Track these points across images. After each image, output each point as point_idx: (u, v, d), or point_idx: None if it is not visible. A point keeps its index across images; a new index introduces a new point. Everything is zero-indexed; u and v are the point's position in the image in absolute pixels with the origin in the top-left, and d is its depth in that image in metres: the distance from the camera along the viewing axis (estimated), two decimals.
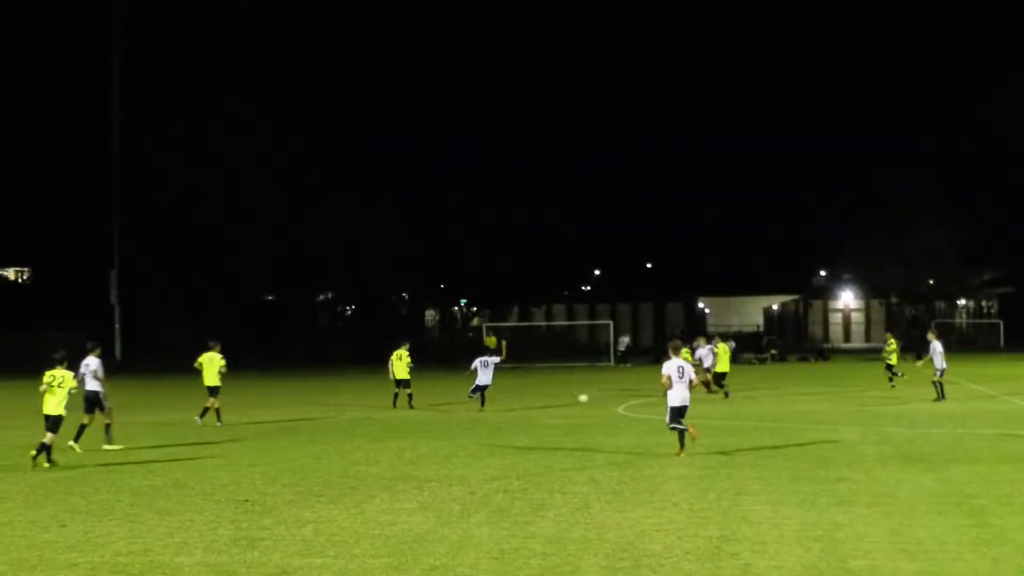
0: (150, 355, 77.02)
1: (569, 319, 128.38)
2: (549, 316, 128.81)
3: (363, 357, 75.28)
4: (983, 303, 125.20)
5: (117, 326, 72.58)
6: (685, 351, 44.70)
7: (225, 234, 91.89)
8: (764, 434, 28.52)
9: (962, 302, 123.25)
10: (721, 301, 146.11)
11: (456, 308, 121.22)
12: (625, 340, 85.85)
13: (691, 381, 24.44)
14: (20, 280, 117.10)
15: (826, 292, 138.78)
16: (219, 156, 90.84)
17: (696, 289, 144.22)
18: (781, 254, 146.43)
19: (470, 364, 40.05)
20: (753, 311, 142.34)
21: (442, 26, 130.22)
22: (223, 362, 34.64)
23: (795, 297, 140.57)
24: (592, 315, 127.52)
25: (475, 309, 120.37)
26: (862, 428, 29.72)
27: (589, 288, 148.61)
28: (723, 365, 45.16)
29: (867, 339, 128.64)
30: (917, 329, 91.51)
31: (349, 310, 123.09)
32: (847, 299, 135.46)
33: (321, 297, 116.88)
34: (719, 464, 22.53)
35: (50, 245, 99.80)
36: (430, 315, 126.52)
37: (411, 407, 39.67)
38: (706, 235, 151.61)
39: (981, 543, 14.63)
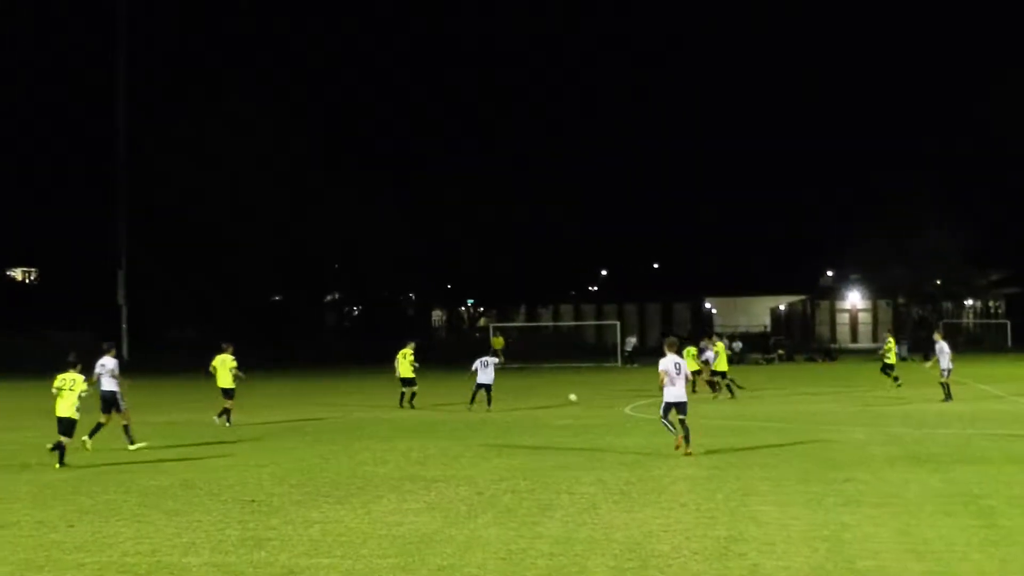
0: (157, 355, 77.07)
1: (576, 319, 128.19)
2: (556, 316, 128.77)
3: (370, 357, 75.28)
4: (990, 303, 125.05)
5: (124, 326, 72.64)
6: (692, 350, 45.03)
7: (228, 234, 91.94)
8: (771, 434, 28.49)
9: (969, 302, 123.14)
10: (728, 301, 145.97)
11: (463, 308, 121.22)
12: (632, 340, 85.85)
13: (687, 377, 24.82)
14: (27, 281, 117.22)
15: (833, 292, 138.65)
16: (221, 156, 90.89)
17: (703, 289, 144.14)
18: (788, 254, 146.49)
19: (471, 366, 40.17)
20: (760, 311, 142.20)
21: (442, 26, 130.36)
22: (235, 363, 34.67)
23: (802, 297, 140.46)
24: (599, 315, 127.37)
25: (482, 309, 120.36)
26: (869, 428, 29.69)
27: (596, 288, 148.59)
28: (721, 364, 45.16)
29: (874, 339, 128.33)
30: (924, 329, 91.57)
31: (356, 311, 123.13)
32: (854, 299, 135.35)
33: (328, 298, 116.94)
34: (727, 464, 22.52)
35: (56, 246, 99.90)
36: (437, 315, 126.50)
37: (412, 406, 39.94)
38: (713, 236, 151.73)
39: (989, 544, 14.61)
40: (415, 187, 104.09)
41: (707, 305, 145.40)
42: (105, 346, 28.44)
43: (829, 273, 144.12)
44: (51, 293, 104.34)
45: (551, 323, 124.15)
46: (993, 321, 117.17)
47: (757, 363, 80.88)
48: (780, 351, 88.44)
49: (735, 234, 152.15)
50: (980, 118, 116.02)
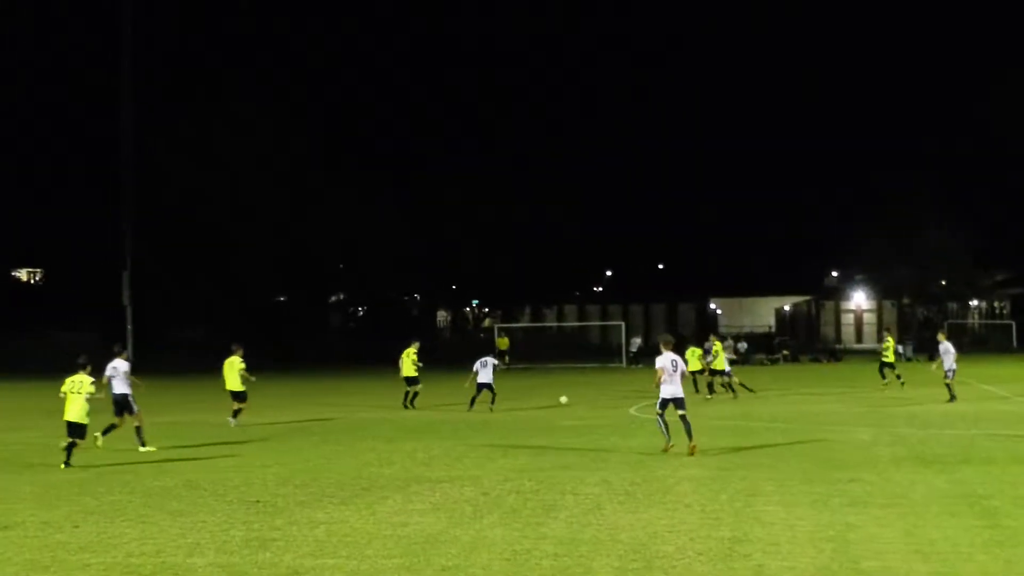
0: (161, 356, 77.11)
1: (581, 320, 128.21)
2: (561, 317, 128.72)
3: (374, 358, 75.30)
4: (995, 304, 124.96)
5: (129, 327, 72.65)
6: (697, 351, 45.10)
7: (230, 235, 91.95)
8: (776, 435, 28.48)
9: (974, 303, 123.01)
10: (733, 302, 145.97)
11: (468, 309, 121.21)
12: (637, 341, 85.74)
13: (683, 374, 25.08)
14: (32, 281, 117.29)
15: (838, 293, 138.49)
16: (223, 157, 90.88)
17: (708, 290, 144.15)
18: (793, 255, 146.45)
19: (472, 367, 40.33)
20: (765, 312, 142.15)
21: (442, 26, 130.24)
22: (243, 365, 34.69)
23: (807, 298, 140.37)
24: (604, 316, 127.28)
25: (487, 310, 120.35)
26: (875, 429, 29.67)
27: (601, 289, 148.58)
28: (720, 363, 45.21)
29: (879, 340, 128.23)
30: (929, 330, 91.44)
31: (360, 311, 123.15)
32: (859, 300, 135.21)
33: (332, 298, 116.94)
34: (732, 465, 22.51)
35: (61, 246, 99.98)
36: (442, 316, 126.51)
37: (412, 406, 40.29)
38: (717, 236, 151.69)
39: (994, 544, 14.60)
40: (416, 187, 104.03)
41: (712, 306, 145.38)
42: (116, 349, 28.52)
43: (834, 274, 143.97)
44: (56, 293, 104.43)
45: (555, 324, 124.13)
46: (998, 322, 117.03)
47: (762, 364, 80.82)
48: (785, 352, 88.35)
49: (740, 235, 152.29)
50: (982, 118, 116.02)
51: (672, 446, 24.56)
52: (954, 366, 39.74)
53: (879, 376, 46.88)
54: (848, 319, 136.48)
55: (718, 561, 13.90)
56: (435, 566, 13.92)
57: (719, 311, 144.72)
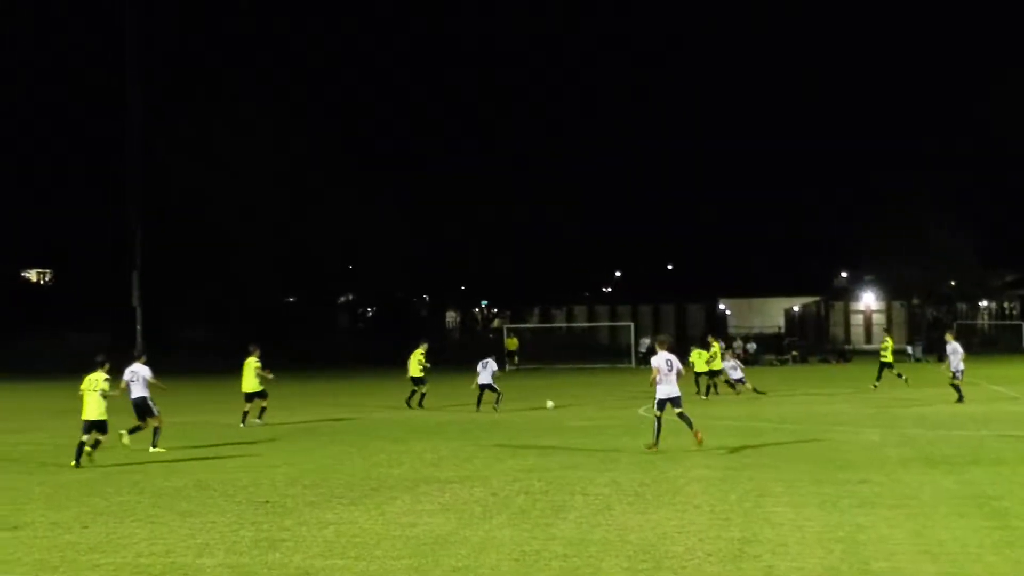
0: (169, 357, 77.09)
1: (590, 321, 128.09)
2: (570, 318, 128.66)
3: (383, 359, 75.29)
4: (1005, 304, 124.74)
5: (139, 328, 72.67)
6: (704, 353, 45.20)
7: (235, 235, 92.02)
8: (785, 436, 28.46)
9: (984, 304, 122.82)
10: (742, 303, 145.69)
11: (476, 310, 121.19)
12: (646, 342, 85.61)
13: (679, 372, 25.26)
14: (42, 282, 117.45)
15: (847, 293, 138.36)
16: (226, 157, 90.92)
17: (717, 291, 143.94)
18: (802, 256, 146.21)
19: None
20: (774, 312, 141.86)
21: (442, 26, 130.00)
22: (258, 365, 34.86)
23: (816, 298, 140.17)
24: (613, 317, 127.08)
25: (495, 311, 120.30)
26: (884, 430, 29.65)
27: (610, 290, 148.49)
28: (717, 364, 45.27)
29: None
30: (938, 331, 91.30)
31: (369, 312, 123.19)
32: (868, 300, 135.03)
33: (341, 299, 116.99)
34: (741, 466, 22.51)
35: (70, 247, 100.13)
36: (451, 317, 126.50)
37: (410, 405, 40.82)
38: (726, 237, 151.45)
39: (1003, 545, 14.59)
40: (419, 187, 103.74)
41: (721, 306, 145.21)
42: (136, 353, 28.66)
43: (843, 274, 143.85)
44: (65, 294, 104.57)
45: (565, 324, 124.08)
46: (1008, 322, 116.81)
47: (771, 364, 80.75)
48: (794, 352, 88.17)
49: (749, 235, 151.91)
50: (983, 118, 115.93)
51: (657, 448, 24.70)
52: (962, 366, 39.65)
53: (876, 376, 47.08)
54: (857, 320, 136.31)
55: (727, 562, 13.91)
56: (444, 567, 13.93)
57: (728, 312, 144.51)
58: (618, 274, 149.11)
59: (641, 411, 37.72)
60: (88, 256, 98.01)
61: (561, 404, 41.56)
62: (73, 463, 24.22)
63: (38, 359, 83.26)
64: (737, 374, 47.01)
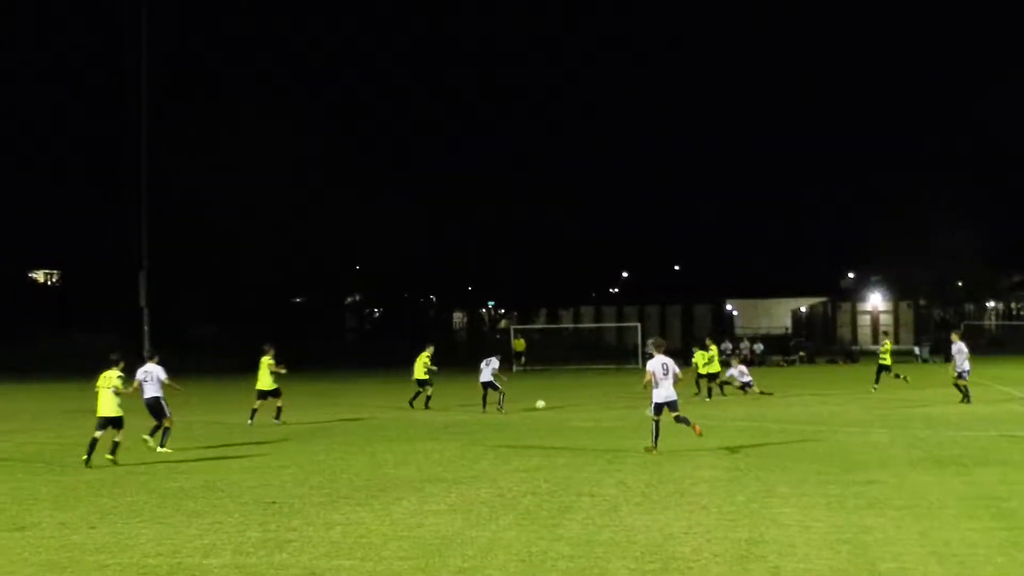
0: (176, 356, 76.99)
1: (597, 322, 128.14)
2: (577, 318, 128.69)
3: (390, 359, 75.35)
4: (1012, 305, 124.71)
5: (146, 328, 72.67)
6: (705, 354, 45.18)
7: (239, 235, 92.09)
8: (792, 436, 28.44)
9: (991, 304, 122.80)
10: (749, 303, 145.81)
11: (484, 311, 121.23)
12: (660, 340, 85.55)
13: (676, 376, 25.33)
14: (49, 283, 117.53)
15: (854, 294, 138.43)
16: (230, 157, 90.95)
17: (724, 292, 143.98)
18: (809, 256, 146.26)
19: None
20: (781, 313, 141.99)
21: (442, 26, 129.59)
22: (272, 363, 35.16)
23: (823, 299, 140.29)
24: (620, 317, 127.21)
25: (502, 311, 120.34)
26: (891, 430, 29.63)
27: (617, 291, 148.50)
28: (714, 366, 45.16)
29: (896, 341, 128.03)
30: (945, 331, 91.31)
31: (376, 312, 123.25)
32: (875, 301, 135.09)
33: (348, 300, 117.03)
34: (748, 466, 22.50)
35: (77, 247, 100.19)
36: (458, 317, 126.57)
37: (412, 406, 41.10)
38: (733, 238, 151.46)
39: (1011, 546, 14.56)
40: (425, 188, 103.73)
41: (728, 307, 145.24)
42: (147, 353, 28.80)
43: (850, 275, 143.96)
44: (73, 295, 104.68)
45: (571, 325, 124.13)
46: (1015, 323, 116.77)
47: (778, 365, 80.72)
48: (801, 353, 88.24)
49: (756, 236, 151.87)
50: (984, 118, 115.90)
51: (656, 451, 24.73)
52: (967, 366, 39.57)
53: (874, 379, 47.12)
54: (864, 320, 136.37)
55: (734, 563, 13.89)
56: (451, 567, 13.92)
57: (735, 312, 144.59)
58: (625, 275, 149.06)
59: (648, 412, 37.65)
60: (95, 257, 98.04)
61: (568, 405, 41.56)
62: (85, 457, 24.31)
63: (45, 360, 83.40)
64: (745, 378, 47.06)
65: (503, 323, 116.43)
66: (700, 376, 45.20)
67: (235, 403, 43.74)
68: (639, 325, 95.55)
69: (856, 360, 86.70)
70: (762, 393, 45.87)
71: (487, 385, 39.60)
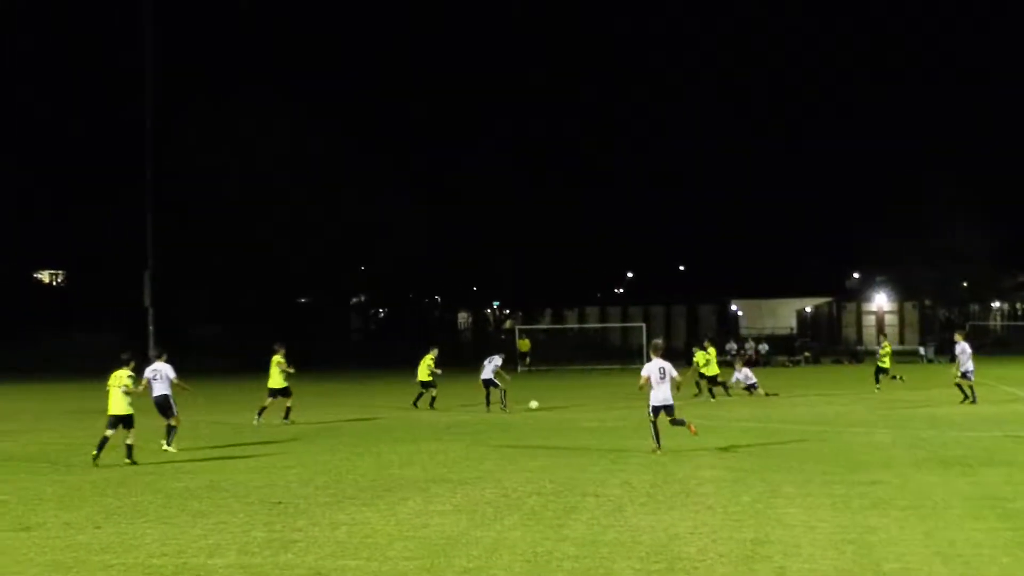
0: (177, 356, 76.73)
1: (602, 322, 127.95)
2: (582, 319, 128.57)
3: (395, 359, 75.33)
4: (1017, 305, 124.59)
5: (151, 328, 72.67)
6: (704, 355, 45.11)
7: (244, 235, 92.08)
8: (797, 436, 28.44)
9: (996, 304, 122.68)
10: (754, 304, 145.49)
11: (488, 311, 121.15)
12: (658, 343, 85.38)
13: (673, 379, 25.45)
14: (54, 283, 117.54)
15: (859, 294, 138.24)
16: (235, 157, 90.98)
17: (729, 292, 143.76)
18: (814, 256, 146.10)
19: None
20: (786, 313, 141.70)
21: (443, 26, 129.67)
22: (283, 361, 35.38)
23: (828, 299, 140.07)
24: (625, 318, 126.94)
25: (507, 312, 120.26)
26: (896, 431, 29.62)
27: (622, 291, 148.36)
28: (712, 368, 45.00)
29: (901, 341, 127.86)
30: (951, 331, 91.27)
31: (382, 313, 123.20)
32: (880, 301, 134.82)
33: (354, 300, 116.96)
34: (752, 467, 22.50)
35: (82, 247, 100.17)
36: (463, 318, 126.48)
37: (416, 406, 41.39)
38: (738, 238, 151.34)
39: (1016, 546, 14.56)
40: (429, 188, 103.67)
41: (733, 307, 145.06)
42: (155, 352, 28.95)
43: (855, 275, 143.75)
44: (78, 295, 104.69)
45: (576, 325, 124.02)
46: (1020, 323, 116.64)
47: (783, 365, 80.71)
48: (806, 353, 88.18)
49: (761, 236, 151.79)
50: (986, 118, 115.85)
51: (660, 450, 24.73)
52: (971, 366, 39.50)
53: (878, 378, 47.14)
54: (869, 320, 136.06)
55: (739, 563, 13.90)
56: (456, 568, 13.93)
57: (740, 313, 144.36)
58: (630, 275, 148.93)
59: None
60: (100, 257, 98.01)
61: (572, 405, 41.58)
62: (94, 452, 24.44)
63: (50, 360, 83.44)
64: (750, 380, 47.04)
65: (508, 323, 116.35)
66: (701, 376, 45.19)
67: (238, 403, 43.83)
68: (644, 325, 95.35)
69: (861, 360, 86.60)
70: (767, 394, 45.86)
71: (488, 383, 39.86)
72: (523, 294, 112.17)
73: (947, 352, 72.95)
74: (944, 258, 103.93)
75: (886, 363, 47.36)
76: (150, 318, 72.17)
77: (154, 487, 21.28)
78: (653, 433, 25.04)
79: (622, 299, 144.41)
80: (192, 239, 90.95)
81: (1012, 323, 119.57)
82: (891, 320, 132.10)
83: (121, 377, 24.69)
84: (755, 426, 32.15)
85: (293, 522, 17.17)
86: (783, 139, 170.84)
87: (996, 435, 28.35)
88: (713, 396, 44.27)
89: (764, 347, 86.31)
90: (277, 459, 25.61)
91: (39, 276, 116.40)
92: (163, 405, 27.23)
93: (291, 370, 35.72)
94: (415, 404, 41.42)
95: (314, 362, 77.89)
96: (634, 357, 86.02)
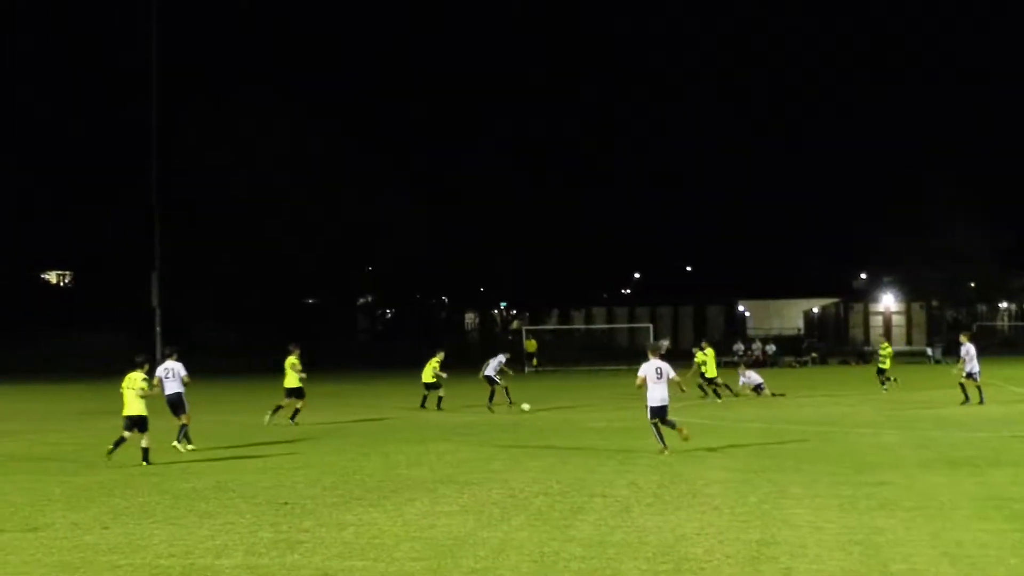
0: (188, 357, 76.75)
1: (608, 322, 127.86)
2: (589, 319, 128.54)
3: (402, 360, 75.34)
4: None
5: (158, 329, 72.71)
6: (702, 355, 45.00)
7: (250, 235, 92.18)
8: (804, 437, 28.43)
9: (1003, 305, 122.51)
10: (761, 304, 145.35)
11: (496, 312, 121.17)
12: (665, 343, 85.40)
13: (672, 380, 25.72)
14: (61, 284, 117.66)
15: (867, 295, 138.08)
16: (240, 158, 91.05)
17: (736, 292, 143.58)
18: (821, 257, 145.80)
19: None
20: (794, 314, 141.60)
21: (442, 26, 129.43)
22: (297, 363, 35.51)
23: (835, 300, 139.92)
24: (632, 318, 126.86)
25: (514, 312, 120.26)
26: (903, 431, 29.60)
27: (629, 291, 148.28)
28: (711, 370, 44.89)
29: (908, 342, 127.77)
30: (958, 332, 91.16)
31: (388, 313, 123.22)
32: (888, 302, 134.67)
33: (361, 301, 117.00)
34: (759, 467, 22.48)
35: (84, 247, 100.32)
36: (470, 318, 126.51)
37: (424, 407, 41.51)
38: (746, 238, 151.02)
39: (1023, 547, 14.56)
40: (434, 188, 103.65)
41: (740, 308, 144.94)
42: (168, 351, 29.09)
43: (862, 276, 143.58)
44: (84, 296, 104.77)
45: (583, 326, 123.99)
46: None
47: (791, 366, 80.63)
48: (813, 354, 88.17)
49: (768, 237, 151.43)
50: (988, 118, 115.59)
51: (667, 450, 24.73)
52: (977, 367, 39.41)
53: (881, 380, 47.10)
54: (877, 321, 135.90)
55: (746, 564, 13.89)
56: (463, 568, 13.94)
57: (747, 313, 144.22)
58: (637, 276, 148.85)
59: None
60: (101, 257, 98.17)
61: (579, 405, 41.59)
62: (110, 447, 24.76)
63: (58, 361, 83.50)
64: (756, 381, 46.99)
65: (515, 324, 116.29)
66: (702, 377, 45.13)
67: (247, 403, 43.87)
68: (651, 326, 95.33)
69: (868, 361, 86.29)
70: (774, 394, 45.83)
71: (490, 380, 40.12)
72: (525, 294, 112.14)
73: (954, 353, 72.87)
74: (945, 258, 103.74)
75: (886, 364, 47.35)
76: (157, 319, 72.13)
77: (161, 488, 21.30)
78: (657, 435, 25.05)
79: (629, 300, 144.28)
80: (197, 239, 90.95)
81: (1019, 324, 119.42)
82: (898, 321, 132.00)
83: (135, 380, 24.80)
84: (762, 427, 32.13)
85: (300, 523, 17.18)
86: (783, 139, 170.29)
87: (1004, 436, 28.33)
88: (719, 397, 44.23)
89: (771, 348, 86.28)
90: (284, 460, 25.63)
91: (47, 277, 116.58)
92: (175, 403, 27.44)
93: (304, 375, 35.73)
94: (423, 405, 41.51)
95: (320, 363, 77.99)
96: (641, 358, 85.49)
